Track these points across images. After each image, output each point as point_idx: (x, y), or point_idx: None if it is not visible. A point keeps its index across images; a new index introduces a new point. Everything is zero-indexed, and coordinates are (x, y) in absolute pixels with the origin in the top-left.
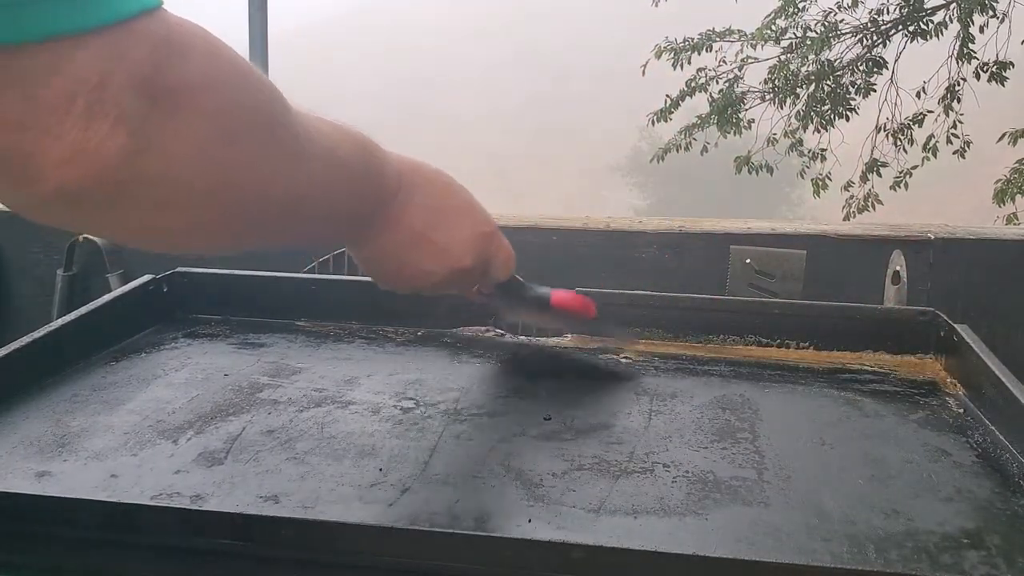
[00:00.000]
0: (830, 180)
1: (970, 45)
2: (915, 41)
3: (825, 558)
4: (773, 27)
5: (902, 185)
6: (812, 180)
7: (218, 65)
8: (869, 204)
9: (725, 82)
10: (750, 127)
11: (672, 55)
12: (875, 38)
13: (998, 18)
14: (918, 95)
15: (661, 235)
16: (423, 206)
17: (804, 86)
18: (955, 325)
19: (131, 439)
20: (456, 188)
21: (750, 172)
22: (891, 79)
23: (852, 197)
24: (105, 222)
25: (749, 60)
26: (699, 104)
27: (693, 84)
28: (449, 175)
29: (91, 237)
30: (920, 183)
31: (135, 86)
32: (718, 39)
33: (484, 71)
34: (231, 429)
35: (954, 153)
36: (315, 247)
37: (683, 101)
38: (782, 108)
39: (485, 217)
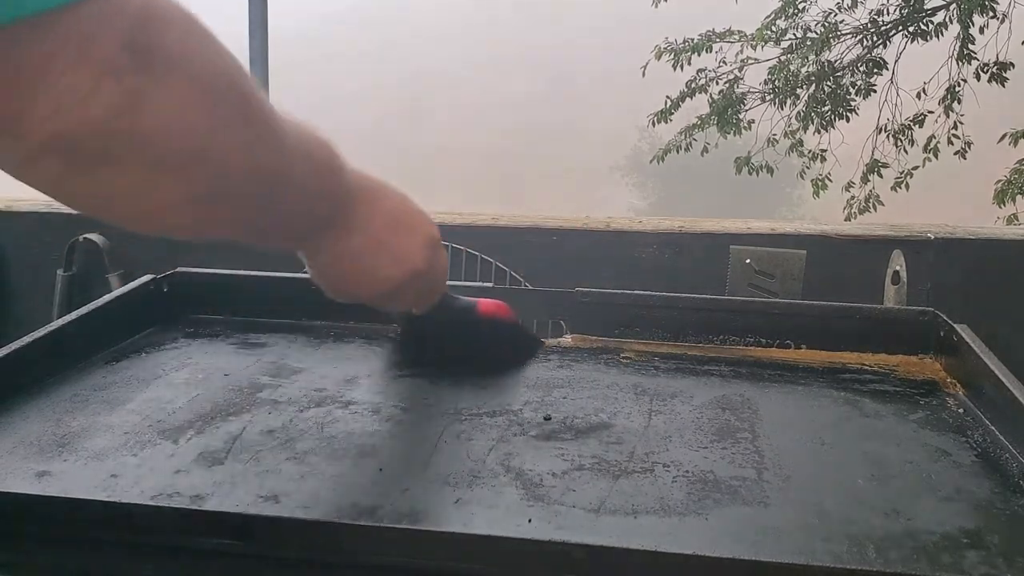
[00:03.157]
0: (830, 181)
1: (970, 46)
2: (915, 42)
3: (825, 558)
4: (773, 28)
5: (903, 186)
6: (812, 181)
7: (195, 34)
8: (870, 205)
9: (725, 83)
10: (750, 128)
11: (672, 56)
12: (875, 39)
13: (998, 19)
14: (918, 96)
15: (661, 235)
16: (383, 213)
17: (804, 87)
18: (955, 325)
19: (131, 439)
20: (404, 197)
21: (750, 172)
22: (891, 80)
23: (853, 198)
24: (97, 182)
25: (749, 61)
26: (699, 105)
27: (693, 85)
28: (392, 184)
29: (91, 237)
30: (920, 184)
31: (121, 44)
32: (718, 40)
33: (483, 71)
34: (231, 429)
35: (955, 154)
36: (282, 246)
37: (683, 102)
38: (782, 109)
39: (431, 221)
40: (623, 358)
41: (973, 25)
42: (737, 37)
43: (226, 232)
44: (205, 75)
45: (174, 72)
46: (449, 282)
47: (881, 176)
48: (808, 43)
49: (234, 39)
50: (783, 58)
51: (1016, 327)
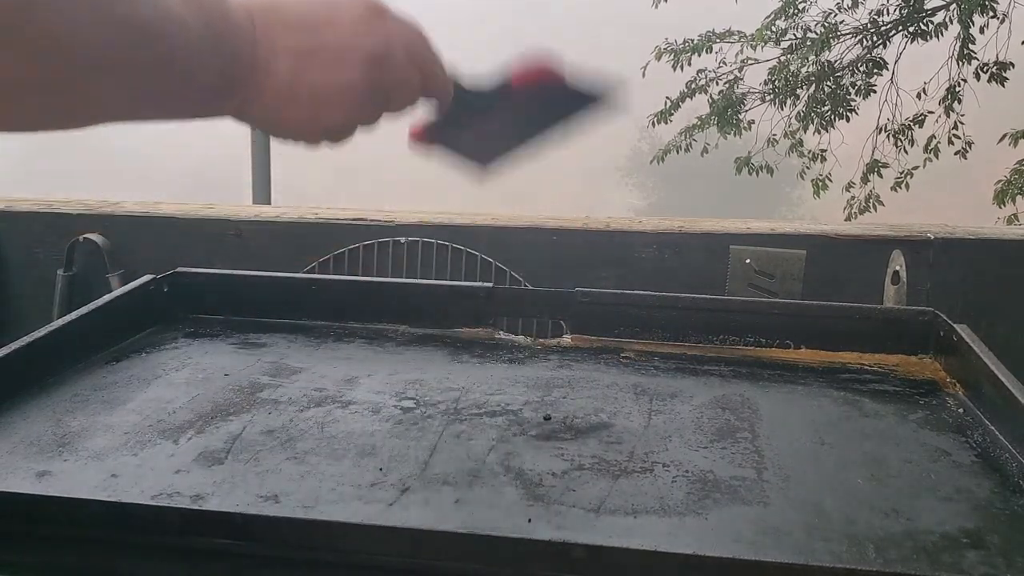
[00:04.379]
0: (830, 181)
1: (970, 46)
2: (915, 42)
3: (825, 558)
4: (773, 28)
5: (903, 186)
6: (812, 181)
7: None
8: (870, 205)
9: (725, 83)
10: (750, 128)
11: (672, 56)
12: (875, 39)
13: (998, 19)
14: (918, 96)
15: (661, 235)
16: (290, 22)
17: (804, 87)
18: (954, 325)
19: (131, 439)
20: None
21: (750, 173)
22: (891, 80)
23: (853, 198)
24: None
25: (749, 61)
26: (699, 105)
27: (693, 85)
28: None
29: (91, 237)
30: (920, 184)
31: None
32: (718, 40)
33: (483, 70)
34: (231, 429)
35: (955, 154)
36: (205, 114)
37: (683, 102)
38: (782, 109)
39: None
40: (623, 358)
41: (973, 25)
42: (737, 37)
43: (117, 113)
44: None
45: None
46: (449, 282)
47: (881, 176)
48: (808, 43)
49: None
50: (783, 58)
51: (1016, 327)
